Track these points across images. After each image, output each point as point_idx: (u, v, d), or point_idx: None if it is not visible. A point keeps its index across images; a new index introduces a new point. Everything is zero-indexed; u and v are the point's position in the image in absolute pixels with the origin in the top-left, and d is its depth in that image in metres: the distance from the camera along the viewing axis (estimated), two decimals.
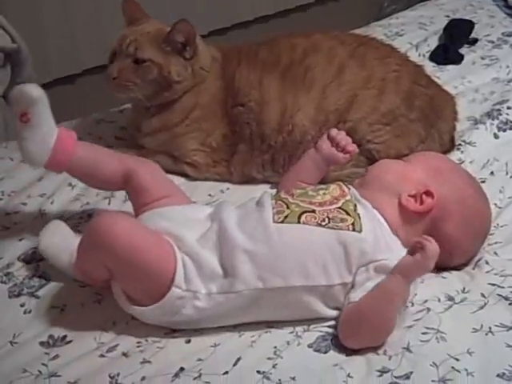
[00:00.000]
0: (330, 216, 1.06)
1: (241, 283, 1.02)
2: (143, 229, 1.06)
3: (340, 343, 1.00)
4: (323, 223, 1.05)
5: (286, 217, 1.06)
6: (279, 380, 0.95)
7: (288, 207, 1.08)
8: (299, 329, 1.03)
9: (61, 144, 1.13)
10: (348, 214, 1.07)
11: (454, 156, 1.39)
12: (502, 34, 1.88)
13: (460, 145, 1.43)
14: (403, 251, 1.03)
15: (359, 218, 1.06)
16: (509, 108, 1.51)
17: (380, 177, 1.17)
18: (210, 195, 1.35)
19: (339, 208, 1.08)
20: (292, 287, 1.02)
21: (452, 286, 1.10)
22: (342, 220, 1.06)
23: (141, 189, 1.15)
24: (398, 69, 1.40)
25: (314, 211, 1.07)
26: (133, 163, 1.18)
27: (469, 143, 1.43)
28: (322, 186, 1.15)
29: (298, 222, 1.05)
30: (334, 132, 1.21)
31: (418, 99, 1.38)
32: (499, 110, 1.51)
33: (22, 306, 1.09)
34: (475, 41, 1.84)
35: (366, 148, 1.34)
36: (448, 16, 1.99)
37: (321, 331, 1.03)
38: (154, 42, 1.34)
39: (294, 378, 0.95)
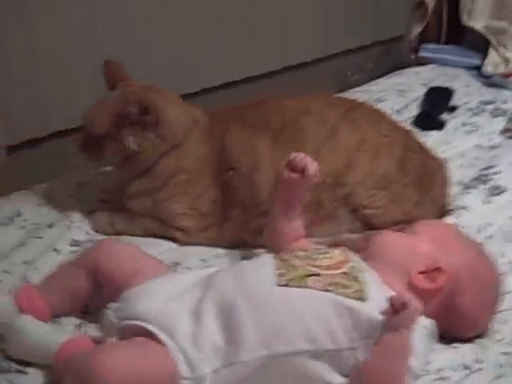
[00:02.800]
0: (336, 281, 1.03)
1: (245, 352, 0.97)
2: (136, 351, 0.98)
3: None
4: (329, 288, 1.02)
5: (290, 279, 1.03)
6: None
7: (292, 269, 1.04)
8: None
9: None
10: (353, 280, 1.04)
11: (448, 221, 1.40)
12: (480, 102, 1.95)
13: (453, 210, 1.44)
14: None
15: (365, 285, 1.04)
16: (495, 174, 1.55)
17: (386, 252, 1.13)
18: (202, 260, 1.30)
19: (344, 273, 1.05)
20: (298, 352, 0.98)
21: (465, 356, 1.07)
22: (348, 286, 1.03)
23: (106, 277, 1.10)
24: (391, 133, 1.41)
25: (319, 275, 1.04)
26: (86, 259, 1.13)
27: (462, 208, 1.44)
28: (326, 250, 1.12)
29: (303, 286, 1.02)
30: (290, 158, 1.18)
31: (410, 164, 1.38)
32: (487, 175, 1.54)
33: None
34: (454, 108, 1.89)
35: (362, 213, 1.33)
36: (425, 84, 2.06)
37: None
38: (110, 115, 1.31)
39: None
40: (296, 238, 1.22)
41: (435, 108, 1.86)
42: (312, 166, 1.16)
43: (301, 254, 1.10)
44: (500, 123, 1.82)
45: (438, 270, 1.08)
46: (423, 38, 2.38)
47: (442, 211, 1.42)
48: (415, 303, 0.96)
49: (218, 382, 0.97)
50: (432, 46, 2.30)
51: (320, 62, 2.49)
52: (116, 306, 1.06)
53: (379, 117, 1.47)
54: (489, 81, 2.07)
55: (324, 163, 1.32)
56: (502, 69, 2.09)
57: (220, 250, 1.34)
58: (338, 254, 1.11)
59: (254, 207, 1.34)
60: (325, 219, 1.33)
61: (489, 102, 1.94)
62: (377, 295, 1.03)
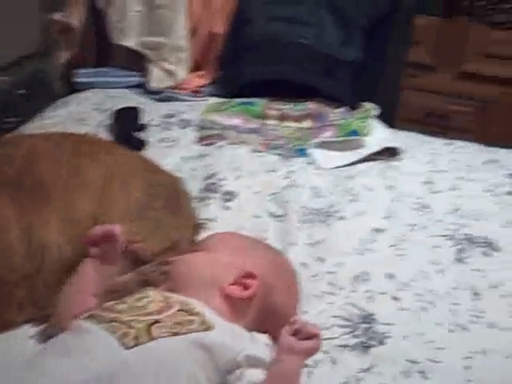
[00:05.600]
0: (178, 321, 0.97)
1: None
2: None
3: None
4: (175, 330, 0.96)
5: (135, 338, 0.93)
6: None
7: (129, 326, 0.95)
8: None
9: None
10: (191, 314, 1.00)
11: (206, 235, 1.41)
12: (161, 117, 1.99)
13: (203, 223, 1.45)
14: (255, 336, 1.01)
15: (203, 314, 1.00)
16: (221, 180, 1.61)
17: (191, 276, 1.11)
18: None
19: (180, 310, 1.00)
20: None
21: None
22: (191, 322, 0.98)
23: None
24: (129, 160, 1.38)
25: (158, 321, 0.97)
26: None
27: (209, 220, 1.47)
28: (140, 295, 1.04)
29: (152, 339, 0.94)
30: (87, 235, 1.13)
31: (157, 187, 1.36)
32: (214, 183, 1.60)
33: None
34: (144, 126, 1.90)
35: (129, 250, 1.25)
36: (98, 109, 2.02)
37: None
38: None
39: None
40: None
41: (128, 128, 1.84)
42: (117, 228, 1.12)
43: (121, 307, 1.00)
44: (191, 133, 1.89)
45: (247, 276, 1.10)
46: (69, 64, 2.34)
47: (197, 227, 1.43)
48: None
49: None
50: (87, 70, 2.27)
51: None
52: None
53: (107, 144, 1.42)
54: (159, 96, 2.13)
55: (78, 208, 1.24)
56: (168, 82, 2.16)
57: None
58: (153, 294, 1.05)
59: (8, 274, 1.16)
60: None
61: (170, 116, 2.00)
62: (218, 321, 1.00)
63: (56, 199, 1.22)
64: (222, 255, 1.14)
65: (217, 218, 1.48)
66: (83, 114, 1.99)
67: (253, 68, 2.10)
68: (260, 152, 1.81)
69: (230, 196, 1.56)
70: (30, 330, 1.14)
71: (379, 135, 1.88)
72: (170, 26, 2.22)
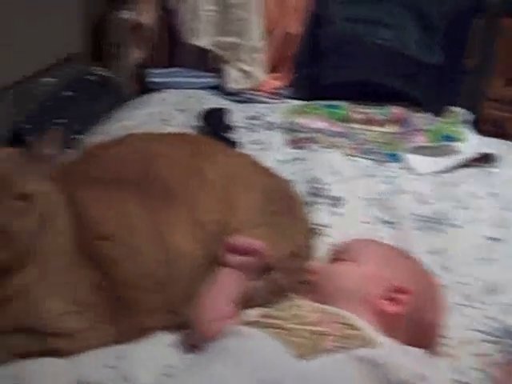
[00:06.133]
0: (339, 334, 0.93)
1: None
2: None
3: None
4: (340, 344, 0.91)
5: (305, 348, 0.89)
6: None
7: (294, 335, 0.91)
8: None
9: None
10: (353, 328, 0.95)
11: (321, 241, 1.36)
12: (245, 118, 1.94)
13: (316, 228, 1.40)
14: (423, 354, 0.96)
15: (364, 330, 0.95)
16: (326, 184, 1.56)
17: (337, 286, 1.06)
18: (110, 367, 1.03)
19: (339, 323, 0.95)
20: None
21: None
22: (354, 336, 0.93)
23: None
24: (242, 161, 1.33)
25: (323, 333, 0.92)
26: None
27: (324, 226, 1.42)
28: (289, 303, 1.00)
29: (322, 351, 0.89)
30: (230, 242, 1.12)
31: (275, 191, 1.32)
32: (318, 187, 1.54)
33: None
34: (230, 127, 1.85)
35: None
36: (180, 109, 1.97)
37: None
38: None
39: None
40: None
41: (218, 129, 1.79)
42: (263, 246, 1.11)
43: (278, 314, 0.96)
44: (279, 136, 1.84)
45: (398, 290, 1.04)
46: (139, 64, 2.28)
47: (312, 232, 1.37)
48: None
49: None
50: (160, 70, 2.21)
51: None
52: None
53: (219, 146, 1.37)
54: (239, 98, 2.08)
55: (204, 209, 1.19)
56: (245, 83, 2.11)
57: (121, 348, 1.07)
58: (303, 304, 1.01)
59: (142, 280, 1.11)
60: None
61: (253, 118, 1.95)
62: (382, 337, 0.95)
63: (181, 202, 1.17)
64: (368, 266, 1.09)
65: (330, 224, 1.42)
66: (165, 114, 1.93)
67: (333, 70, 2.05)
68: (352, 156, 1.76)
69: (336, 201, 1.51)
70: (166, 336, 1.09)
71: (473, 141, 1.84)
72: (245, 26, 2.17)
